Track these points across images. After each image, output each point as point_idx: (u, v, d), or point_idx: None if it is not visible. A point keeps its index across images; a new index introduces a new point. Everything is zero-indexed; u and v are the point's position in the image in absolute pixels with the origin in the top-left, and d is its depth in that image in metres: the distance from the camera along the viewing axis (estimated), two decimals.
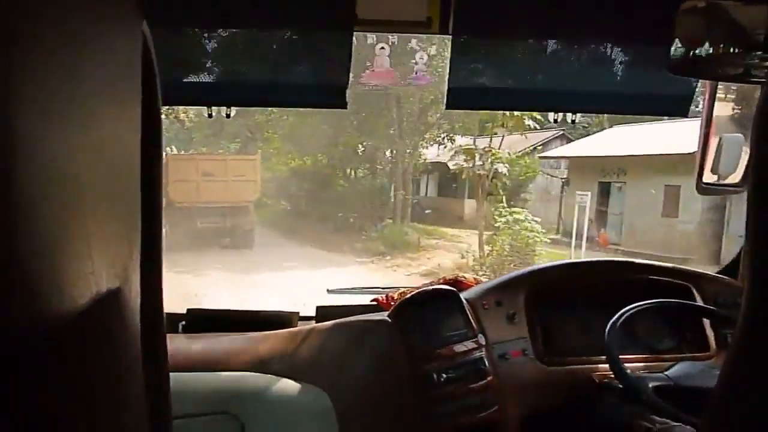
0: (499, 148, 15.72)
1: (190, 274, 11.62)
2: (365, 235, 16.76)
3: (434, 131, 17.65)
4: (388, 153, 18.91)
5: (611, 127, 18.25)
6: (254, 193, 16.67)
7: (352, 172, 19.93)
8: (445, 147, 17.88)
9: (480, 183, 15.68)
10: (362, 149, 18.99)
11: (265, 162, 19.68)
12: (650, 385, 1.70)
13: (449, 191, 21.63)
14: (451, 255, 15.08)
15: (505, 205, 15.29)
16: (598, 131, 19.11)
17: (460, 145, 16.32)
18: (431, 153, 18.80)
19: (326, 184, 19.21)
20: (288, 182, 20.32)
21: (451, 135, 17.40)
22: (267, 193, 19.91)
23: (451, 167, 17.83)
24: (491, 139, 15.56)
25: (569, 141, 19.62)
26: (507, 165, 15.86)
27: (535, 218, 14.61)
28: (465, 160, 15.92)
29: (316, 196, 19.19)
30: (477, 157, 15.44)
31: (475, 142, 15.99)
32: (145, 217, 0.54)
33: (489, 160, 15.31)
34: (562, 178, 19.12)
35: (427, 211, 19.81)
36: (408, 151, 17.88)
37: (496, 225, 14.57)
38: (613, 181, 17.03)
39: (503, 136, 15.94)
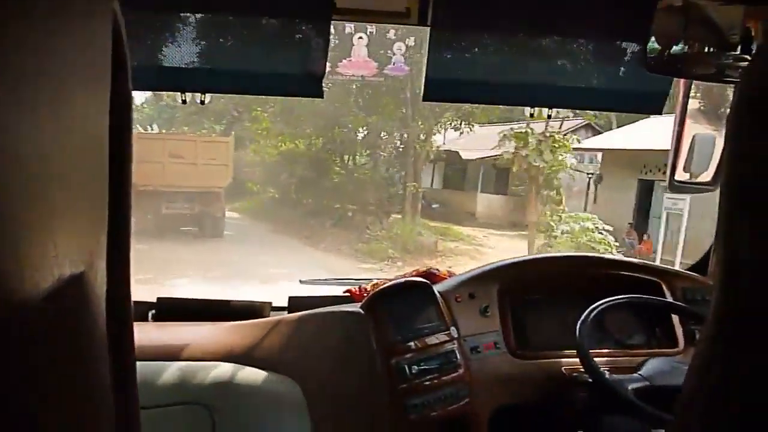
0: (559, 132, 13.03)
1: (150, 284, 9.58)
2: (369, 233, 14.83)
3: (450, 114, 15.31)
4: (396, 137, 16.52)
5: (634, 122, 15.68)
6: (226, 179, 15.56)
7: (351, 159, 17.74)
8: (461, 132, 15.90)
9: (535, 177, 13.11)
10: (365, 132, 16.79)
11: (252, 144, 18.27)
12: (630, 387, 1.72)
13: (457, 183, 19.48)
14: (477, 263, 10.95)
15: (565, 207, 12.95)
16: (604, 123, 17.20)
17: (512, 129, 13.84)
18: (438, 139, 16.67)
19: (322, 171, 17.16)
20: (278, 168, 18.34)
21: (471, 121, 15.32)
22: (254, 179, 18.59)
23: (468, 157, 15.60)
24: (547, 124, 13.09)
25: (596, 132, 17.46)
26: (575, 156, 13.07)
27: (607, 227, 12.16)
28: (516, 148, 13.28)
29: (310, 184, 17.12)
30: (534, 144, 12.88)
31: (528, 125, 13.51)
32: (113, 203, 0.52)
33: (548, 148, 12.85)
34: (588, 174, 16.77)
35: (434, 206, 17.81)
36: (422, 136, 15.53)
37: (554, 235, 12.20)
38: (658, 179, 14.42)
39: (563, 120, 13.52)
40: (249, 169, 18.56)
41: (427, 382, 1.78)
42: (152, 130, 18.24)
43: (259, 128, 17.34)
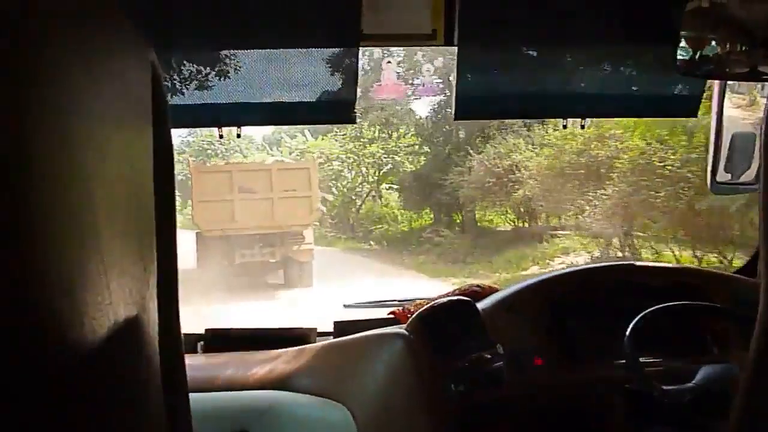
0: None
1: None
2: None
3: None
4: None
5: None
6: (310, 213, 12.50)
7: None
8: None
9: None
10: None
11: (547, 147, 11.27)
12: (686, 400, 1.67)
13: None
14: None
15: None
16: None
17: None
18: None
19: None
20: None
21: None
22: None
23: None
24: None
25: None
26: None
27: None
28: None
29: None
30: None
31: None
32: (160, 243, 0.54)
33: None
34: None
35: None
36: None
37: None
38: None
39: None
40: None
41: (475, 400, 1.76)
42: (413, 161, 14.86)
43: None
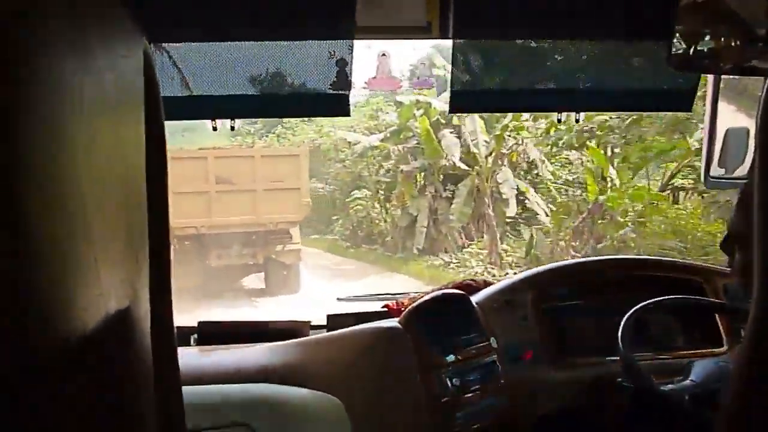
0: None
1: None
2: None
3: None
4: None
5: None
6: (299, 208, 10.79)
7: None
8: None
9: None
10: None
11: None
12: (686, 396, 1.68)
13: None
14: None
15: None
16: None
17: None
18: None
19: None
20: None
21: None
22: None
23: None
24: None
25: None
26: None
27: None
28: None
29: None
30: None
31: None
32: (152, 235, 0.54)
33: None
34: None
35: None
36: None
37: None
38: None
39: None
40: None
41: (469, 394, 1.77)
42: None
43: None
